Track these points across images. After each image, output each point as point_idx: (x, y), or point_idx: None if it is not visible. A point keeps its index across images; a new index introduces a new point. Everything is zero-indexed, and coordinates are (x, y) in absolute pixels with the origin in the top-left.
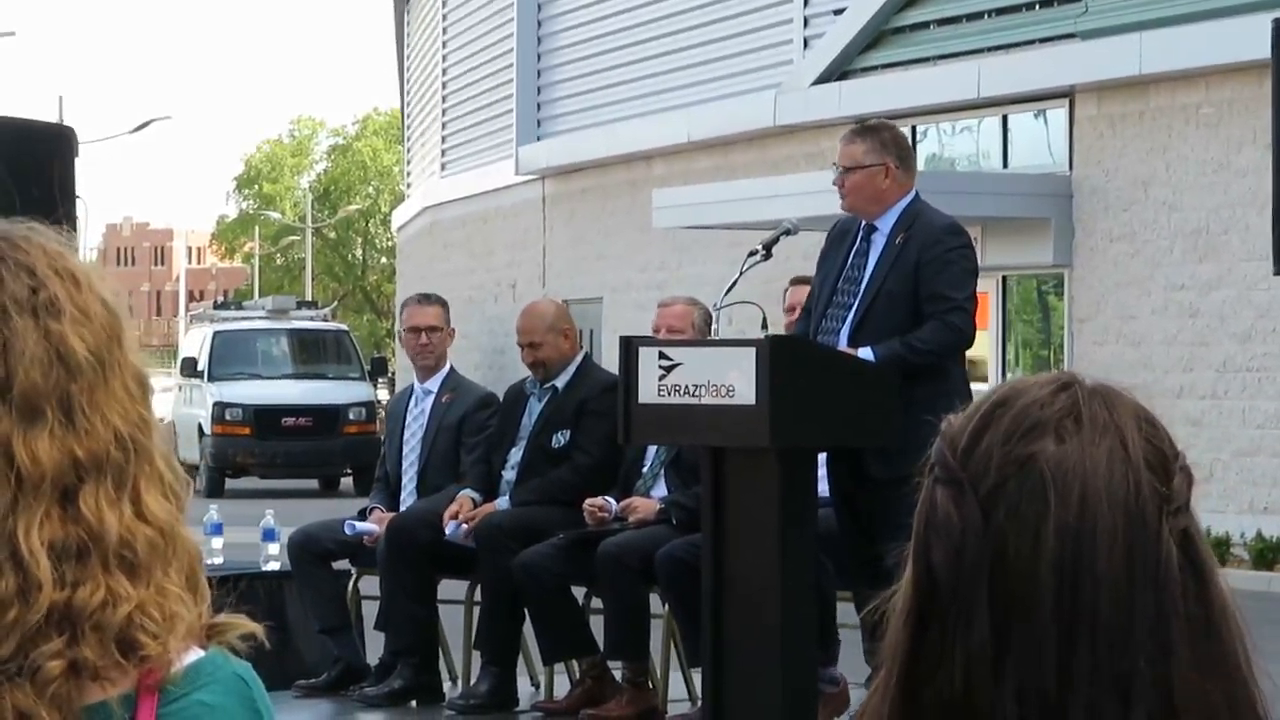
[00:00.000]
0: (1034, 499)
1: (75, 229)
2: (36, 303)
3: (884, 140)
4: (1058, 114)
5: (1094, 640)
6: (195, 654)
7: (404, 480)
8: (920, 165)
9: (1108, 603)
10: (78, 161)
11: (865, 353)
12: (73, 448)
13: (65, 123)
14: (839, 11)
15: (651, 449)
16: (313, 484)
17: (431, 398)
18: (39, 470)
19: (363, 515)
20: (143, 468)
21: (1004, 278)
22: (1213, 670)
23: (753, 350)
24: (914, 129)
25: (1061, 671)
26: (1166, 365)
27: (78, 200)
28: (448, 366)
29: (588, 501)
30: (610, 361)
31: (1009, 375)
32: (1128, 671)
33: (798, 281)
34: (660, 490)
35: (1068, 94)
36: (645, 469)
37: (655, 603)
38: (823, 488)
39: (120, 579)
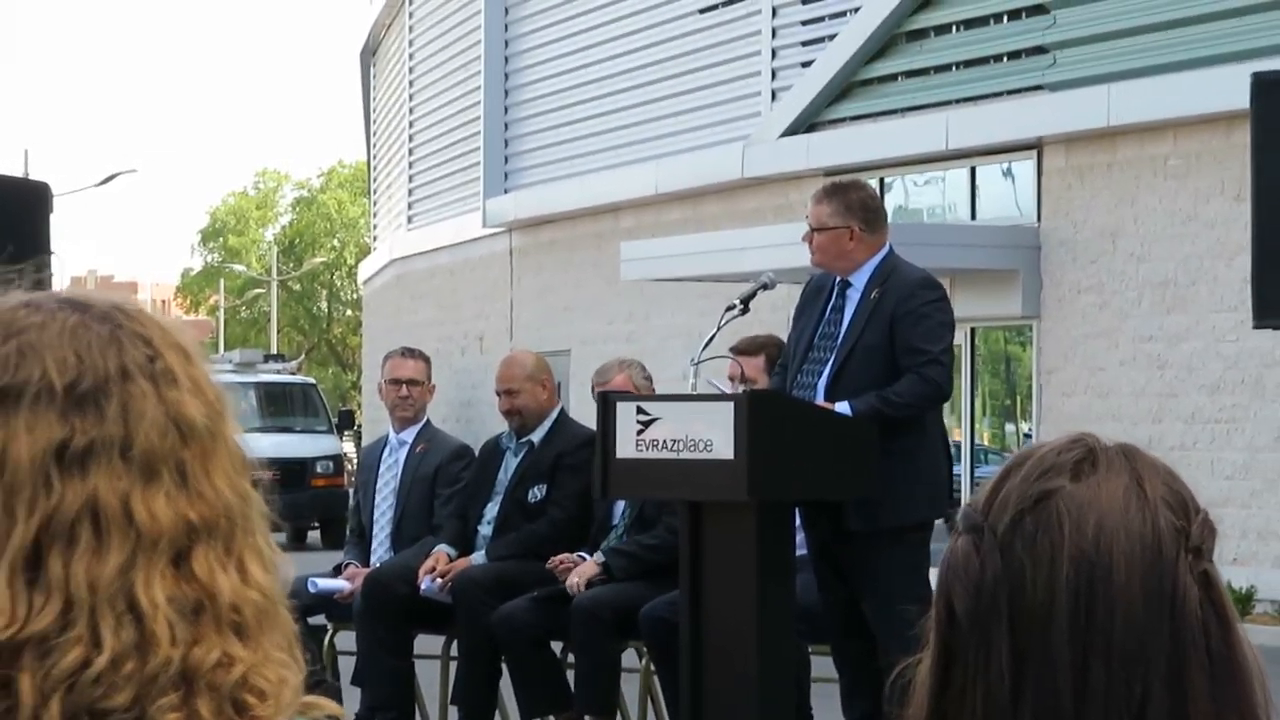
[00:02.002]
0: (1050, 530)
1: (51, 285)
2: (154, 370)
3: (850, 203)
4: (1025, 165)
5: (1109, 662)
6: None
7: (377, 530)
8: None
9: (1122, 625)
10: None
11: (842, 407)
12: (186, 511)
13: (36, 177)
14: (807, 64)
15: (618, 507)
16: (280, 537)
17: (406, 448)
18: (156, 527)
19: (338, 571)
20: (247, 539)
21: (972, 329)
22: (1231, 709)
23: (730, 405)
24: (882, 180)
25: (1077, 695)
26: (1135, 416)
27: (52, 256)
28: (425, 419)
29: (555, 558)
30: (578, 413)
31: (977, 426)
32: (1142, 695)
33: (739, 352)
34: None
35: (1035, 145)
36: (613, 528)
37: (632, 658)
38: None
39: (233, 641)
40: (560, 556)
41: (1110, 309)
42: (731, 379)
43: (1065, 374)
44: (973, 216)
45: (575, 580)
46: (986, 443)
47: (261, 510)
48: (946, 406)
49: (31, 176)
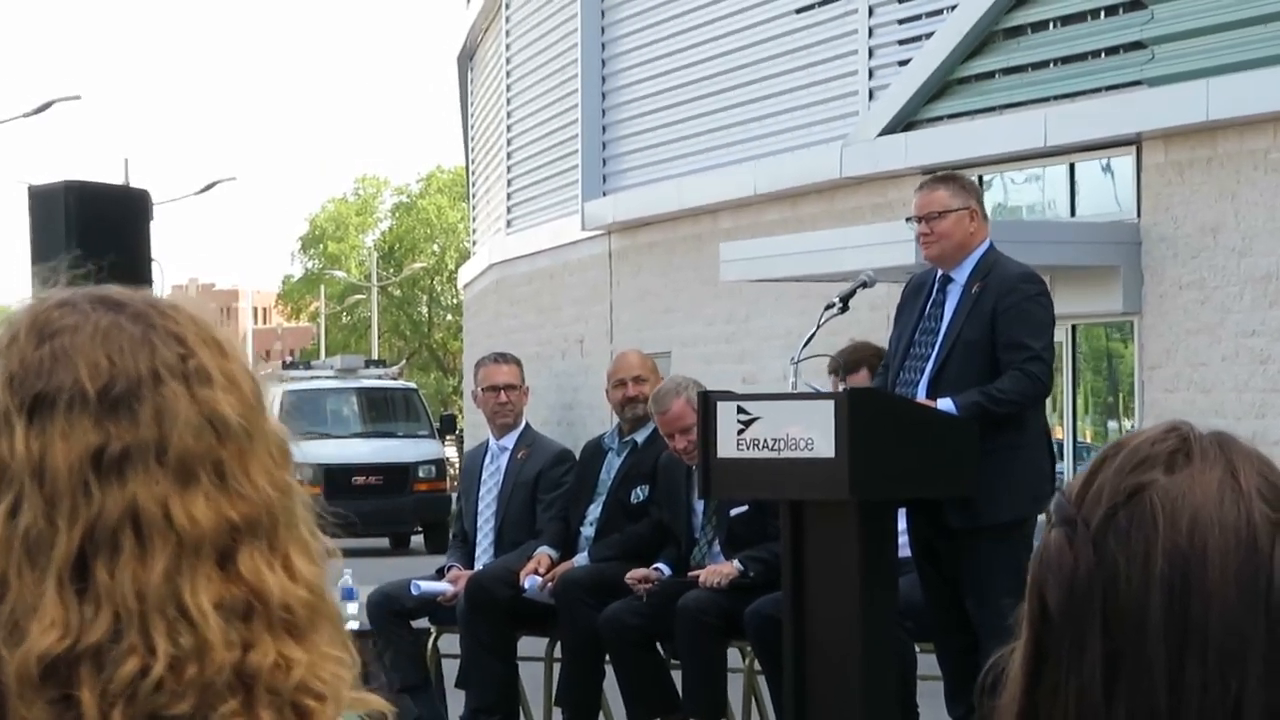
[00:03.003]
0: (1143, 524)
1: (153, 289)
2: (187, 370)
3: (964, 185)
4: (1125, 161)
5: (1204, 658)
6: None
7: (480, 537)
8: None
9: (1217, 620)
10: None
11: (945, 404)
12: (227, 511)
13: (137, 186)
14: (904, 63)
15: (699, 516)
16: (384, 542)
17: (507, 454)
18: (198, 531)
19: (440, 574)
20: (291, 534)
21: (1073, 326)
22: None
23: (831, 403)
24: (980, 178)
25: (1172, 691)
26: (1238, 412)
27: (153, 263)
28: (524, 423)
29: (631, 574)
30: None
31: (1079, 424)
32: (1239, 690)
33: (843, 372)
34: (717, 557)
35: (1134, 141)
36: (698, 538)
37: (735, 658)
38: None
39: (288, 642)
40: (639, 573)
41: (1212, 304)
42: None
43: (1167, 370)
44: (1072, 213)
45: (715, 580)
46: (1089, 440)
47: (304, 501)
48: (1048, 403)
49: (131, 185)
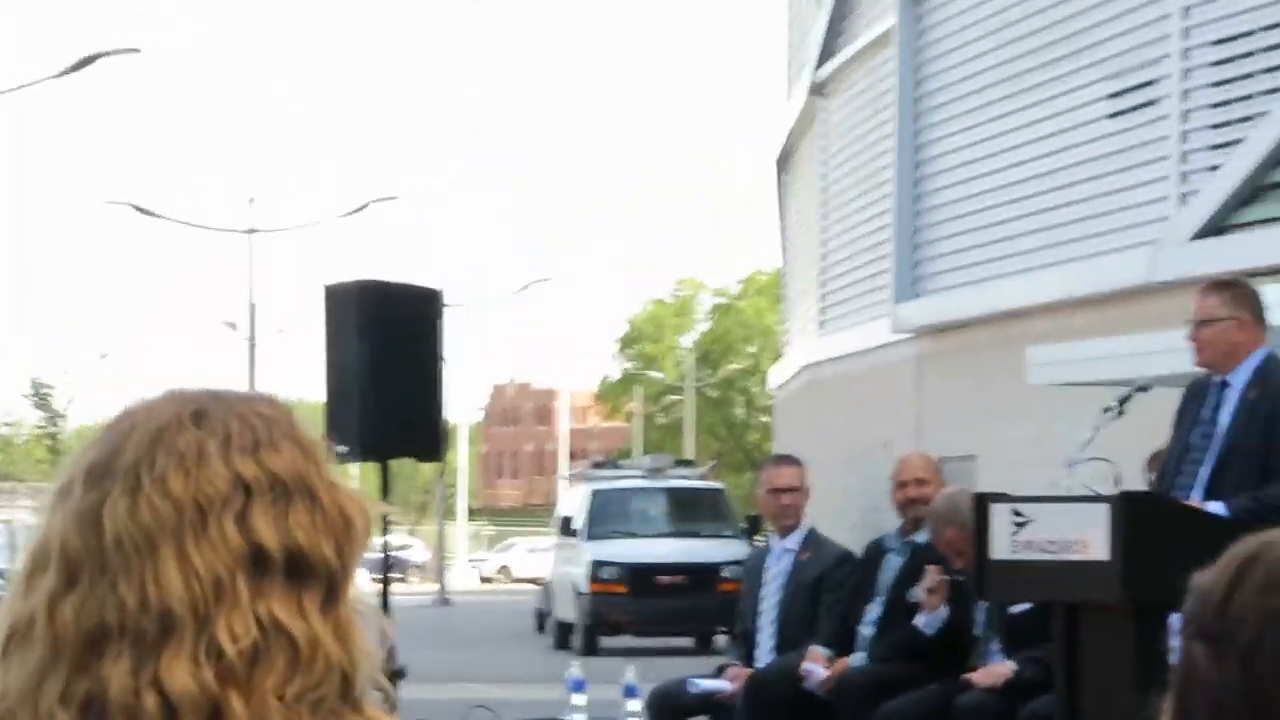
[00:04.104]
0: None
1: (441, 388)
2: None
3: (1238, 295)
4: None
5: None
6: None
7: (762, 637)
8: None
9: None
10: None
11: (1217, 507)
12: None
13: (433, 286)
14: (1214, 168)
15: (980, 618)
16: (688, 642)
17: (791, 555)
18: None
19: (720, 671)
20: None
21: None
22: None
23: (1106, 507)
24: None
25: None
26: None
27: (443, 362)
28: (807, 524)
29: (928, 581)
30: None
31: None
32: None
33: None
34: (996, 656)
35: None
36: (978, 636)
37: None
38: None
39: None
40: (933, 580)
41: None
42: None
43: None
44: None
45: (990, 681)
46: None
47: None
48: None
49: (447, 285)
